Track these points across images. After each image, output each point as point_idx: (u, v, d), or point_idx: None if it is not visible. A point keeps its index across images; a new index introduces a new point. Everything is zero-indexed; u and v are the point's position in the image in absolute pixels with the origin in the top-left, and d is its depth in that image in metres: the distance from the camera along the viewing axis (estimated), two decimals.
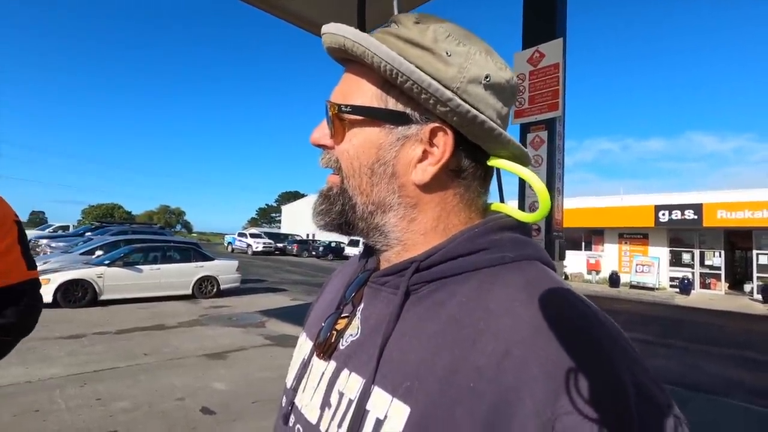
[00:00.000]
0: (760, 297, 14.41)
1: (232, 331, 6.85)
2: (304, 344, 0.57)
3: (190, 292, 9.73)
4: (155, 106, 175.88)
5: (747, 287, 15.98)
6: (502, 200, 0.53)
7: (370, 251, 0.56)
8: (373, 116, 0.45)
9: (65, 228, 24.33)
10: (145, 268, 9.21)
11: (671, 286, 16.99)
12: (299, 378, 0.53)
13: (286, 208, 53.51)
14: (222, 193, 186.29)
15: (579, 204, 18.57)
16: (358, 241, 23.88)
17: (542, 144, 2.39)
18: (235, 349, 5.76)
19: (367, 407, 0.41)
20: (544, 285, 0.41)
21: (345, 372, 0.46)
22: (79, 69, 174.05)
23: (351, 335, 0.49)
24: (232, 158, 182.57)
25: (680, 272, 16.93)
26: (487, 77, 0.44)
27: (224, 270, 10.42)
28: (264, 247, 29.86)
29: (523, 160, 0.48)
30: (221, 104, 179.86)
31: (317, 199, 0.51)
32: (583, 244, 19.64)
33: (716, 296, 15.59)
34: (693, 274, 16.83)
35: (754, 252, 15.54)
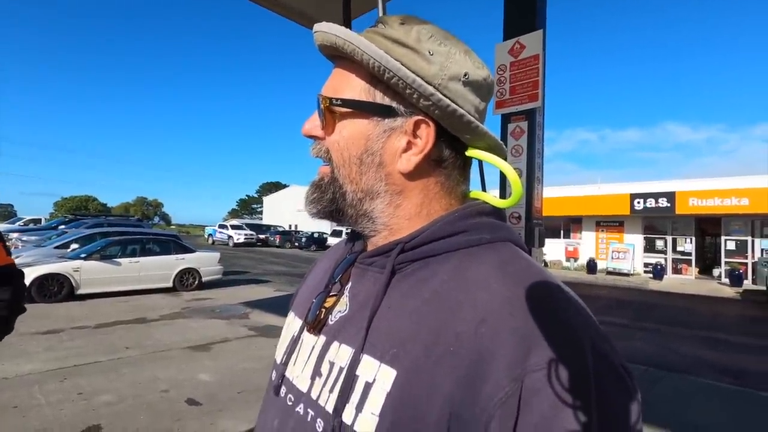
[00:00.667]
0: (727, 281, 15.11)
1: (216, 323, 6.80)
2: (293, 322, 0.61)
3: (171, 284, 9.59)
4: (130, 94, 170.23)
5: (716, 272, 16.70)
6: (483, 189, 0.58)
7: (356, 236, 0.59)
8: (362, 109, 0.49)
9: (37, 221, 23.47)
10: (123, 261, 9.02)
11: (645, 271, 17.60)
12: (289, 353, 0.56)
13: (267, 199, 52.82)
14: (201, 184, 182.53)
15: (558, 193, 18.93)
16: (340, 232, 23.82)
17: (522, 134, 2.44)
18: (219, 341, 5.73)
19: (357, 373, 0.44)
20: (516, 263, 0.46)
21: (335, 344, 0.49)
22: (47, 54, 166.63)
23: (340, 311, 0.52)
24: (211, 148, 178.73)
25: (654, 258, 17.54)
26: (465, 75, 0.49)
27: (206, 262, 10.30)
28: (246, 238, 29.50)
29: (498, 151, 0.53)
30: (200, 93, 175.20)
31: (309, 189, 0.54)
32: (562, 232, 20.10)
33: (687, 281, 16.23)
34: (666, 260, 17.46)
35: (723, 238, 16.21)
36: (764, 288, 12.06)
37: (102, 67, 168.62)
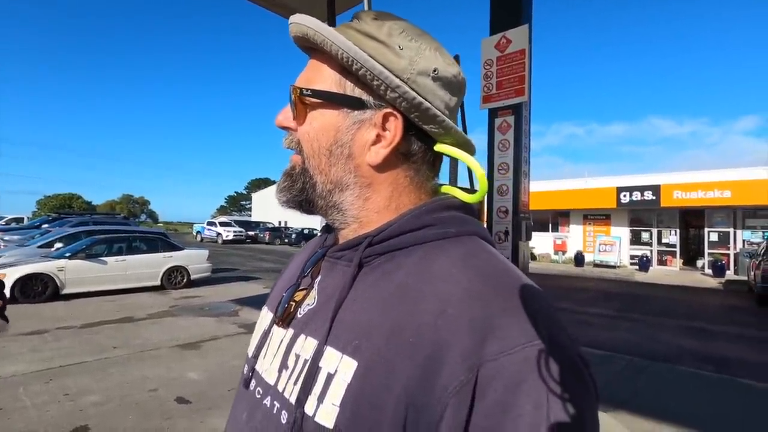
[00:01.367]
0: (710, 272, 15.45)
1: (205, 321, 6.75)
2: (265, 316, 0.61)
3: (158, 283, 9.48)
4: (115, 89, 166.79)
5: (699, 263, 17.07)
6: (454, 183, 0.60)
7: (329, 230, 0.61)
8: (331, 100, 0.50)
9: (19, 220, 22.98)
10: (109, 260, 8.88)
11: (631, 263, 17.90)
12: (260, 347, 0.57)
13: (256, 196, 52.38)
14: (188, 180, 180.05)
15: (546, 187, 19.13)
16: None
17: (509, 129, 2.46)
18: (208, 339, 5.70)
19: (320, 364, 0.45)
20: (479, 255, 0.47)
21: (302, 337, 0.50)
22: (28, 48, 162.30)
23: (308, 305, 0.53)
24: (198, 145, 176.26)
25: (640, 250, 17.86)
26: (435, 70, 0.49)
27: (194, 260, 10.20)
28: (235, 235, 29.26)
29: (466, 147, 0.54)
30: (187, 89, 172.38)
31: (281, 177, 0.55)
32: (550, 225, 20.33)
33: (672, 272, 16.58)
34: (651, 252, 17.79)
35: (706, 230, 16.57)
36: (746, 278, 12.38)
37: (86, 63, 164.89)
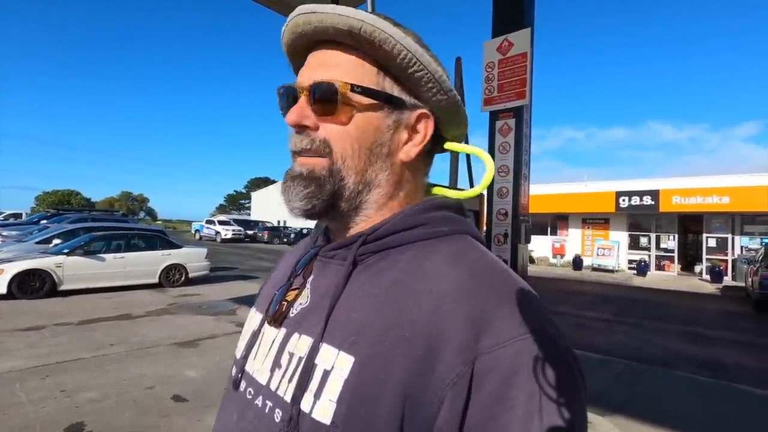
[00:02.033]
0: (708, 277, 15.46)
1: (203, 319, 6.74)
2: (255, 317, 0.60)
3: (157, 280, 9.47)
4: (115, 86, 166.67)
5: (697, 268, 17.09)
6: (455, 181, 0.63)
7: (319, 230, 0.60)
8: (378, 99, 0.49)
9: (18, 216, 22.91)
10: (107, 256, 8.87)
11: (629, 268, 17.91)
12: (249, 347, 0.56)
13: (255, 195, 52.34)
14: (188, 179, 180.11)
15: (545, 190, 19.14)
16: None
17: (510, 131, 2.46)
18: (206, 337, 5.69)
19: (316, 361, 0.45)
20: (470, 253, 0.48)
21: (296, 335, 0.50)
22: (26, 44, 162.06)
23: (301, 304, 0.53)
24: (198, 143, 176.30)
25: (638, 255, 17.86)
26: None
27: (193, 258, 10.18)
28: (233, 234, 29.22)
29: (461, 140, 0.58)
30: (187, 87, 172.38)
31: (299, 182, 0.49)
32: (549, 229, 20.33)
33: (670, 277, 16.59)
34: (649, 256, 17.80)
35: (704, 235, 16.58)
36: (743, 284, 12.39)
37: (87, 58, 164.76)
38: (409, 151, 0.51)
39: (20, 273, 7.67)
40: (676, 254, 17.43)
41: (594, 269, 17.71)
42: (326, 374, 0.43)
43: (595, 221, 19.05)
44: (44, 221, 16.21)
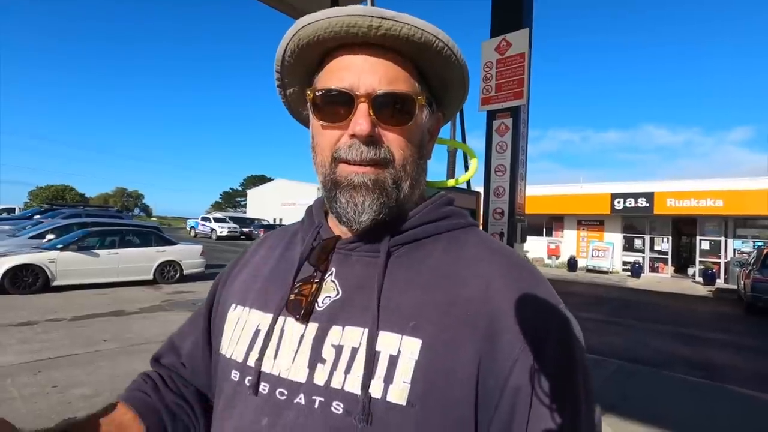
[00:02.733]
0: (701, 280, 15.58)
1: None
2: (251, 315, 0.56)
3: (151, 277, 9.42)
4: (111, 82, 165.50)
5: (690, 271, 17.23)
6: (452, 175, 0.68)
7: (312, 223, 0.60)
8: (431, 109, 0.56)
9: (11, 210, 22.71)
10: (102, 252, 8.81)
11: (624, 269, 18.04)
12: (262, 348, 0.51)
13: (252, 192, 52.17)
14: (183, 175, 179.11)
15: (541, 191, 19.21)
16: None
17: (507, 131, 2.47)
18: None
19: (377, 348, 0.46)
20: (494, 242, 0.56)
21: (336, 328, 0.49)
22: (22, 38, 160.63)
23: (329, 296, 0.51)
24: (194, 140, 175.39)
25: (632, 257, 17.99)
26: None
27: (188, 255, 10.14)
28: (229, 231, 29.10)
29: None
30: (183, 83, 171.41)
31: (365, 192, 0.49)
32: (545, 230, 20.43)
33: (663, 279, 16.71)
34: (643, 258, 17.92)
35: (698, 238, 16.72)
36: (735, 287, 12.50)
37: (82, 54, 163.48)
38: (431, 149, 0.58)
39: (13, 268, 7.61)
40: (669, 256, 17.56)
41: (589, 270, 17.81)
42: (393, 359, 0.45)
43: (590, 223, 19.16)
44: (38, 216, 16.10)
